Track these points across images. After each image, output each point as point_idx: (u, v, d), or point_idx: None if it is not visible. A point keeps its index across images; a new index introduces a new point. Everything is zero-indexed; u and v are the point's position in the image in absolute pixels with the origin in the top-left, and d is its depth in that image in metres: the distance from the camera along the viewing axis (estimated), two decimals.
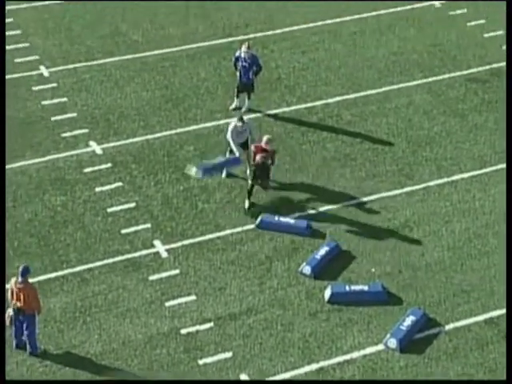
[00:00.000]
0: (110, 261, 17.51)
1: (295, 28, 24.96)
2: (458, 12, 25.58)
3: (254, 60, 21.07)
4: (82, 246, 17.82)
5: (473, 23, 25.08)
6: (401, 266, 17.51)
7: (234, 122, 19.15)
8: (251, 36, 24.53)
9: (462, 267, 17.49)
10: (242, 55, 21.01)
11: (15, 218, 18.43)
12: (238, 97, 21.44)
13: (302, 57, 23.73)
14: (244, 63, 20.99)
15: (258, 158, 18.59)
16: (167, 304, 16.66)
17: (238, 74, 21.21)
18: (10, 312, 15.33)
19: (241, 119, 19.04)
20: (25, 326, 15.36)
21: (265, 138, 18.81)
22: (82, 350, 15.72)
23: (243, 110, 21.41)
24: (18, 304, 15.18)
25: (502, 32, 24.62)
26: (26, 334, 15.40)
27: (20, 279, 15.15)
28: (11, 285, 15.26)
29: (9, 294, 15.37)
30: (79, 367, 15.38)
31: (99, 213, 18.68)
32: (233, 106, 21.50)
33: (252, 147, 18.86)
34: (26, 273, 15.18)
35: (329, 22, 25.24)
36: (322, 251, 17.56)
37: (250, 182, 18.73)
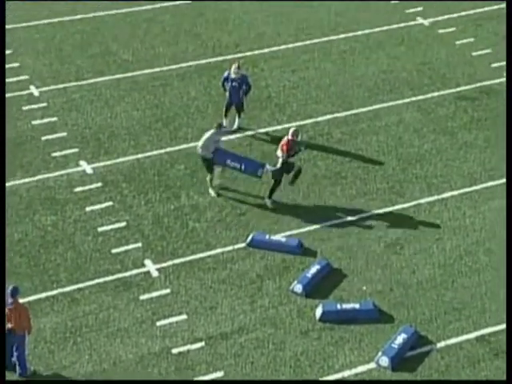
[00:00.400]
0: (101, 280, 17.45)
1: (285, 47, 25.06)
2: (447, 30, 25.73)
3: (244, 80, 21.13)
4: (73, 266, 17.76)
5: (461, 42, 25.22)
6: (392, 283, 17.51)
7: (210, 132, 19.32)
8: (241, 55, 24.61)
9: (453, 285, 17.49)
10: (232, 75, 21.04)
11: (5, 237, 18.37)
12: (226, 116, 21.46)
13: (292, 75, 23.80)
14: (234, 83, 21.03)
15: (284, 156, 18.88)
16: (158, 323, 16.60)
17: (227, 94, 21.25)
18: None
19: (219, 126, 19.23)
20: (14, 347, 15.27)
21: (291, 131, 19.17)
22: (73, 370, 15.63)
23: (234, 127, 21.46)
24: (9, 325, 15.09)
25: (490, 50, 24.76)
26: (16, 355, 15.31)
27: (10, 300, 15.07)
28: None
29: None
30: None
31: (90, 232, 18.63)
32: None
33: (282, 142, 19.07)
34: (15, 293, 15.10)
35: (319, 40, 25.35)
36: (313, 269, 17.55)
37: (277, 179, 19.08)
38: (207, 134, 19.39)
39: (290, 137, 19.16)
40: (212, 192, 19.58)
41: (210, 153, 19.24)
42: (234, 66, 21.13)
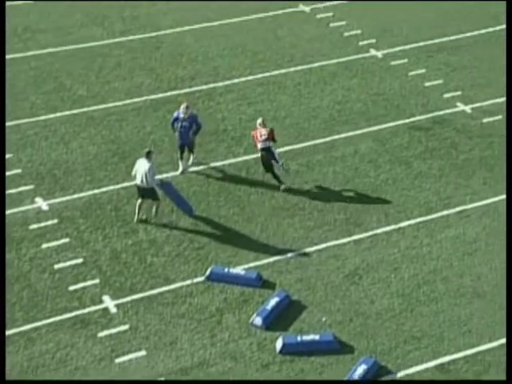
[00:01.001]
0: (58, 318, 17.23)
1: (240, 80, 25.19)
2: (399, 62, 26.07)
3: (194, 119, 21.05)
4: (29, 305, 17.52)
5: (414, 72, 25.57)
6: (351, 314, 17.53)
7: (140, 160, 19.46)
8: (197, 88, 24.68)
9: (412, 313, 17.57)
10: (181, 115, 20.93)
11: None
12: (182, 158, 21.35)
13: (248, 108, 23.90)
14: (184, 123, 20.91)
15: (259, 145, 20.55)
16: (117, 360, 16.41)
17: (176, 134, 21.11)
18: None
19: (149, 153, 19.29)
20: None
21: (259, 121, 20.74)
22: None
23: (189, 164, 21.36)
24: None
25: (442, 81, 25.12)
26: None
27: None
28: None
29: None
30: None
31: (46, 270, 18.42)
32: (180, 169, 21.39)
33: (252, 134, 20.84)
34: None
35: (274, 73, 25.53)
36: (273, 302, 17.51)
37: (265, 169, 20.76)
38: (143, 166, 19.29)
39: (264, 127, 20.66)
40: (154, 219, 19.66)
41: (149, 183, 19.28)
42: (182, 106, 21.01)
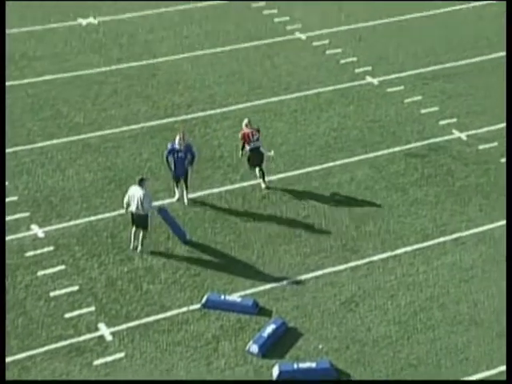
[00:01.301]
0: (53, 346, 17.14)
1: (237, 107, 25.26)
2: (395, 89, 26.18)
3: (189, 149, 20.92)
4: (24, 333, 17.44)
5: (409, 100, 25.66)
6: (348, 341, 17.47)
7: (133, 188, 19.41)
8: (194, 115, 24.74)
9: (409, 341, 17.50)
10: (177, 147, 20.76)
11: None
12: (177, 187, 21.27)
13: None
14: (180, 154, 20.72)
15: (251, 145, 21.41)
16: None
17: (172, 166, 20.90)
18: None
19: (141, 181, 19.25)
20: None
21: (244, 122, 21.59)
22: None
23: (185, 202, 21.17)
24: None
25: (437, 108, 25.22)
26: None
27: None
28: None
29: None
30: None
31: (41, 297, 18.35)
32: (176, 197, 21.34)
33: (240, 136, 21.65)
34: None
35: (270, 100, 25.61)
36: (269, 329, 17.45)
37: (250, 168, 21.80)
38: (138, 193, 19.25)
39: (251, 127, 21.56)
40: (140, 248, 19.53)
41: (145, 209, 19.25)
42: (178, 138, 20.74)
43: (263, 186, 21.71)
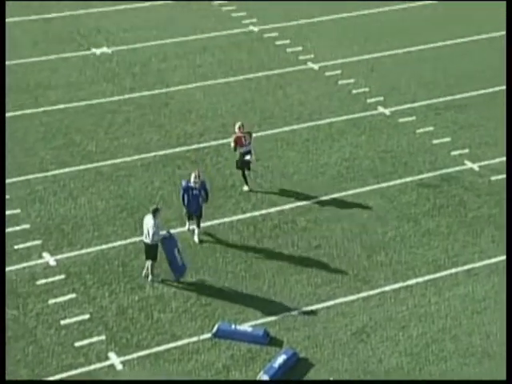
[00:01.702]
0: (64, 375, 17.09)
1: None
2: (407, 119, 26.22)
3: (203, 186, 20.90)
4: (34, 361, 17.40)
5: (421, 130, 25.68)
6: (359, 372, 17.35)
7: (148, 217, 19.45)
8: (206, 144, 24.82)
9: (421, 372, 17.38)
10: (192, 185, 20.74)
11: None
12: (189, 219, 21.18)
13: (256, 164, 23.98)
14: (195, 191, 20.69)
15: (243, 149, 22.38)
16: None
17: (185, 203, 20.81)
18: None
19: (156, 211, 19.27)
20: None
21: (237, 126, 22.53)
22: None
23: (195, 240, 21.07)
24: None
25: (449, 138, 25.22)
26: None
27: None
28: None
29: None
30: None
31: (52, 325, 18.33)
32: (187, 227, 21.27)
33: (233, 139, 22.48)
34: None
35: (282, 129, 25.68)
36: (280, 359, 17.36)
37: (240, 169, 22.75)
38: (148, 223, 19.30)
39: (244, 131, 22.49)
40: (150, 277, 19.53)
41: (152, 239, 19.30)
42: (193, 175, 20.73)
43: (246, 188, 22.61)
